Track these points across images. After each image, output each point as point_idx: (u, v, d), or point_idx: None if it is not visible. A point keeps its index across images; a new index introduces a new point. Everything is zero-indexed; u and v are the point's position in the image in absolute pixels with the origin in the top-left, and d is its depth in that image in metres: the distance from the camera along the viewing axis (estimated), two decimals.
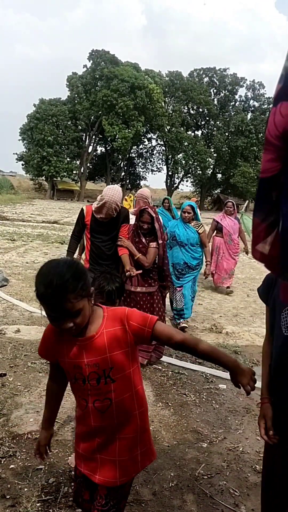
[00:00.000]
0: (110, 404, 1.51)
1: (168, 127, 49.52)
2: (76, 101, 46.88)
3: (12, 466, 2.45)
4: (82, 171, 49.37)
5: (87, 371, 1.48)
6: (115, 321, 1.51)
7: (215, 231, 7.92)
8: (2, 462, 2.49)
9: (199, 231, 5.35)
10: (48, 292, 1.33)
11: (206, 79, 55.03)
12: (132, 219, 4.21)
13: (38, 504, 2.17)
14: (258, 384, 4.31)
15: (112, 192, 3.72)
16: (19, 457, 2.53)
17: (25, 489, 2.27)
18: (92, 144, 50.76)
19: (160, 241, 4.05)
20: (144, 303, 4.06)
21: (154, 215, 4.00)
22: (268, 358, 1.71)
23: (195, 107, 53.67)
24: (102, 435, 1.54)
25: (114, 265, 3.93)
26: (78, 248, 4.15)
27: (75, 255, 4.10)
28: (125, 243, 3.94)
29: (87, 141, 49.97)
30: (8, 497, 2.20)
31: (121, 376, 1.51)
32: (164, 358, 4.31)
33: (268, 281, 1.73)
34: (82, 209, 3.98)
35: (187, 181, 57.00)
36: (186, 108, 53.62)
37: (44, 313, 1.40)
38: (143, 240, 4.03)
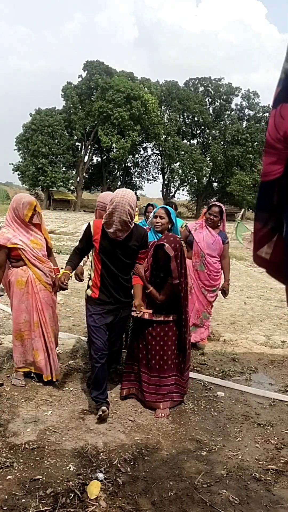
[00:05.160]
0: None
1: (164, 136, 49.77)
2: (71, 111, 47.14)
3: (9, 477, 2.42)
4: (78, 181, 49.50)
5: None
6: None
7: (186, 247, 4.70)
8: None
9: None
10: None
11: (201, 89, 55.56)
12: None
13: None
14: (257, 391, 4.25)
15: (123, 192, 3.03)
16: (16, 468, 2.50)
17: (23, 500, 2.24)
18: (88, 154, 50.98)
19: (176, 281, 3.27)
20: (157, 334, 3.42)
21: (172, 253, 3.22)
22: None
23: (190, 116, 54.06)
24: None
25: (131, 297, 3.40)
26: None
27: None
28: (139, 272, 3.38)
29: (82, 150, 50.20)
30: (5, 508, 2.17)
31: None
32: None
33: None
34: (89, 225, 3.25)
35: (183, 190, 57.18)
36: (182, 117, 53.99)
37: None
38: (161, 275, 3.41)
